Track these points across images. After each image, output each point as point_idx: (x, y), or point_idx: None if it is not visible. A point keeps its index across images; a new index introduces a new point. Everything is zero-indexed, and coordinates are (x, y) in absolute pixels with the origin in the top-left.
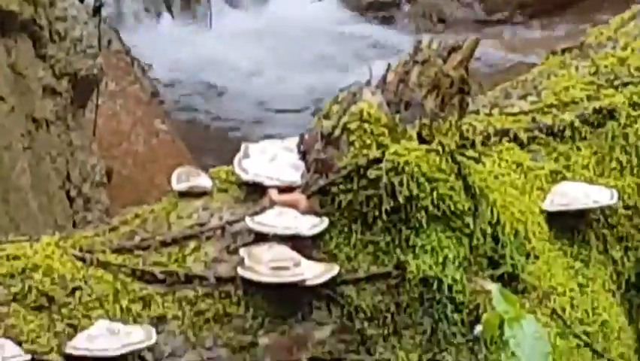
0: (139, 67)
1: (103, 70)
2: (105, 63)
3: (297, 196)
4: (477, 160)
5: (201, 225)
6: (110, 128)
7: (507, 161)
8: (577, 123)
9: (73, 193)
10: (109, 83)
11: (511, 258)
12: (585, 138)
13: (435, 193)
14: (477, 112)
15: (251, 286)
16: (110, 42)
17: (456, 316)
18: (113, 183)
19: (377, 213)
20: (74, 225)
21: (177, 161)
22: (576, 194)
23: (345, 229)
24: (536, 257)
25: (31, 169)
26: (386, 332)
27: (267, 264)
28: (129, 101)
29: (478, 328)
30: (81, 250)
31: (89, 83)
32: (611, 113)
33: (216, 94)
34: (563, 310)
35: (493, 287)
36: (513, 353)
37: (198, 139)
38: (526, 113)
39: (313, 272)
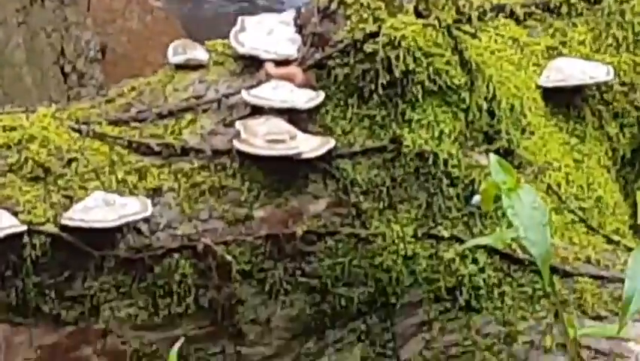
0: None
1: None
2: None
3: (294, 70)
4: (473, 35)
5: (197, 97)
6: (104, 5)
7: (503, 36)
8: None
9: (67, 68)
10: None
11: (507, 133)
12: (582, 14)
13: (431, 68)
14: None
15: (247, 159)
16: None
17: (451, 190)
18: (107, 60)
19: (373, 87)
20: (68, 100)
21: (171, 38)
22: (572, 70)
23: (342, 103)
24: (532, 133)
25: (26, 44)
26: (381, 205)
27: (263, 137)
28: None
29: (476, 198)
30: (77, 121)
31: None
32: None
33: None
34: (559, 185)
35: (491, 157)
36: (510, 223)
37: (192, 16)
38: None
39: (309, 145)
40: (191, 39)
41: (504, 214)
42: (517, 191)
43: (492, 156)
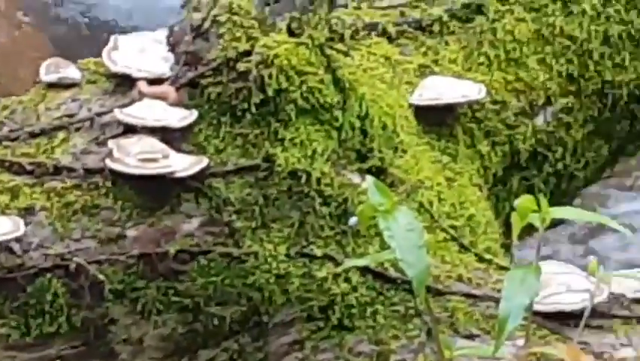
0: None
1: None
2: None
3: (167, 88)
4: (346, 54)
5: (70, 116)
6: None
7: (376, 55)
8: (445, 18)
9: None
10: None
11: (380, 151)
12: (454, 33)
13: (304, 86)
14: (346, 6)
15: (119, 178)
16: None
17: (324, 209)
18: None
19: (246, 106)
20: None
21: (40, 54)
22: (444, 88)
23: (215, 122)
24: (404, 151)
25: None
26: (254, 224)
27: (135, 156)
28: None
29: (353, 220)
30: None
31: None
32: (480, 8)
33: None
34: (431, 203)
35: (367, 179)
36: (386, 246)
37: (62, 31)
38: (394, 7)
39: (182, 164)
40: (61, 54)
41: (377, 233)
42: (393, 213)
43: (368, 177)
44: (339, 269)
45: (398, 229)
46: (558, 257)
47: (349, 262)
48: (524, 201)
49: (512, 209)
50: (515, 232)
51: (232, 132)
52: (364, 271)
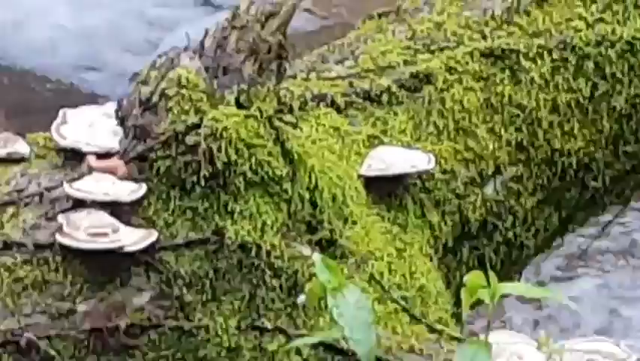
0: None
1: None
2: None
3: (116, 162)
4: (294, 125)
5: (19, 191)
6: None
7: (325, 126)
8: (394, 88)
9: None
10: None
11: (329, 223)
12: (402, 103)
13: (253, 159)
14: (294, 77)
15: (69, 253)
16: None
17: (274, 281)
18: None
19: (196, 179)
20: None
21: None
22: (394, 159)
23: (164, 195)
24: (354, 222)
25: None
26: (205, 298)
27: (85, 230)
28: None
29: (301, 298)
30: None
31: None
32: (428, 78)
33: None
34: (381, 275)
35: (315, 256)
36: (334, 321)
37: (12, 104)
38: (343, 77)
39: (132, 238)
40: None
41: (326, 305)
42: (341, 291)
43: (316, 255)
44: (291, 345)
45: (347, 306)
46: (511, 323)
47: (299, 340)
48: (473, 277)
49: (462, 282)
50: (465, 308)
51: (182, 206)
52: (316, 343)
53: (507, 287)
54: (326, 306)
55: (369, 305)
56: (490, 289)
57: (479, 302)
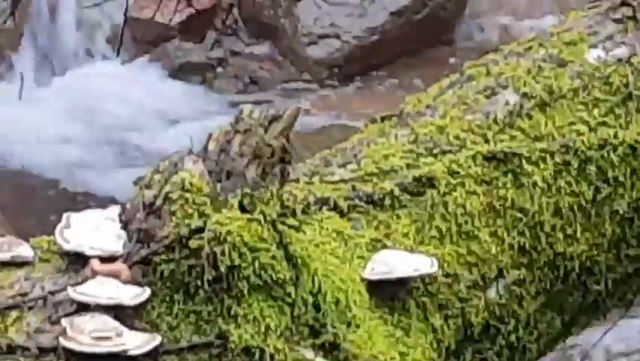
0: None
1: None
2: None
3: (119, 266)
4: (298, 229)
5: (23, 295)
6: None
7: (327, 229)
8: (397, 192)
9: None
10: None
11: (333, 327)
12: (405, 206)
13: (257, 263)
14: (297, 180)
15: (73, 356)
16: None
17: None
18: None
19: (199, 282)
20: None
21: None
22: (396, 262)
23: (168, 299)
24: (357, 326)
25: None
26: None
27: (89, 334)
28: None
29: None
30: None
31: None
32: (431, 182)
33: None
34: None
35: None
36: None
37: (13, 203)
38: (345, 181)
39: (135, 342)
40: (13, 225)
41: None
42: None
43: (319, 359)
44: None
45: None
46: None
47: None
48: None
49: None
50: None
51: (185, 309)
52: None
53: None
54: None
55: None
56: None
57: None
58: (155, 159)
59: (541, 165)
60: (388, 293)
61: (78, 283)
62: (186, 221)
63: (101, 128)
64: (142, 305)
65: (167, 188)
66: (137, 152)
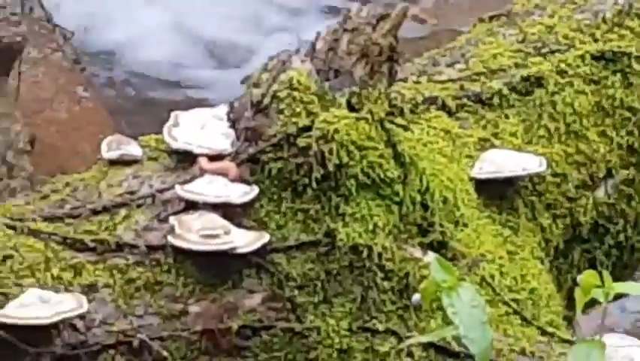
0: (60, 34)
1: (26, 37)
2: (27, 30)
3: (227, 164)
4: (406, 128)
5: (131, 193)
6: (32, 96)
7: (435, 128)
8: (505, 91)
9: None
10: (31, 50)
11: (440, 225)
12: (513, 106)
13: (364, 161)
14: (405, 80)
15: (181, 254)
16: (31, 9)
17: (386, 283)
18: (35, 151)
19: (307, 181)
20: None
21: (100, 128)
22: (505, 161)
23: (275, 197)
24: (465, 225)
25: None
26: (316, 299)
27: (197, 232)
28: (51, 68)
29: (416, 297)
30: (12, 218)
31: (12, 50)
32: (539, 81)
33: (138, 58)
34: (492, 277)
35: (430, 256)
36: (449, 321)
37: (121, 106)
38: (454, 80)
39: (243, 240)
40: (119, 128)
41: (439, 307)
42: (456, 289)
43: (431, 253)
44: (402, 345)
45: (462, 305)
46: (619, 329)
47: (413, 339)
48: (587, 276)
49: (574, 282)
50: (579, 307)
51: (293, 208)
52: (427, 345)
53: (621, 286)
54: (438, 308)
55: (483, 304)
56: (604, 289)
57: (591, 304)
58: (262, 58)
59: None
60: (496, 192)
61: (186, 181)
62: (294, 119)
63: (211, 27)
64: (250, 203)
65: (275, 86)
66: (245, 51)
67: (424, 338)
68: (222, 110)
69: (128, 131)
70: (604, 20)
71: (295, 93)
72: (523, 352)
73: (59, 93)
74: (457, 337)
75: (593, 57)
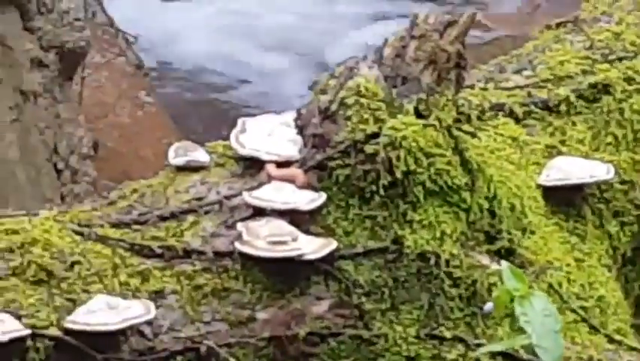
0: (123, 39)
1: (90, 42)
2: (90, 35)
3: (295, 171)
4: (473, 135)
5: (199, 199)
6: (95, 101)
7: (503, 135)
8: (572, 98)
9: (60, 165)
10: (94, 55)
11: (508, 233)
12: (580, 113)
13: (432, 168)
14: (472, 86)
15: (249, 261)
16: (94, 14)
17: (453, 291)
18: (98, 155)
19: (374, 188)
20: (62, 197)
21: (162, 133)
22: (572, 169)
23: (343, 204)
24: (532, 232)
25: (19, 142)
26: (384, 306)
27: (264, 238)
28: (114, 73)
29: (488, 306)
30: (79, 224)
31: (75, 55)
32: (606, 88)
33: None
34: (560, 285)
35: (502, 264)
36: (518, 328)
37: (183, 111)
38: (521, 87)
39: (311, 247)
40: (182, 133)
41: (506, 314)
42: (529, 298)
43: (503, 262)
44: (474, 354)
45: (534, 314)
46: None
47: (485, 348)
48: None
49: None
50: None
51: (361, 214)
52: (495, 352)
53: None
54: (506, 315)
55: (556, 313)
56: None
57: None
58: (330, 65)
59: None
60: (564, 199)
61: (254, 188)
62: (361, 126)
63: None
64: (317, 210)
65: (342, 93)
66: (313, 57)
67: (496, 347)
68: (289, 116)
69: (192, 137)
70: None
71: (363, 100)
72: (590, 360)
73: (122, 98)
74: (526, 345)
75: None
